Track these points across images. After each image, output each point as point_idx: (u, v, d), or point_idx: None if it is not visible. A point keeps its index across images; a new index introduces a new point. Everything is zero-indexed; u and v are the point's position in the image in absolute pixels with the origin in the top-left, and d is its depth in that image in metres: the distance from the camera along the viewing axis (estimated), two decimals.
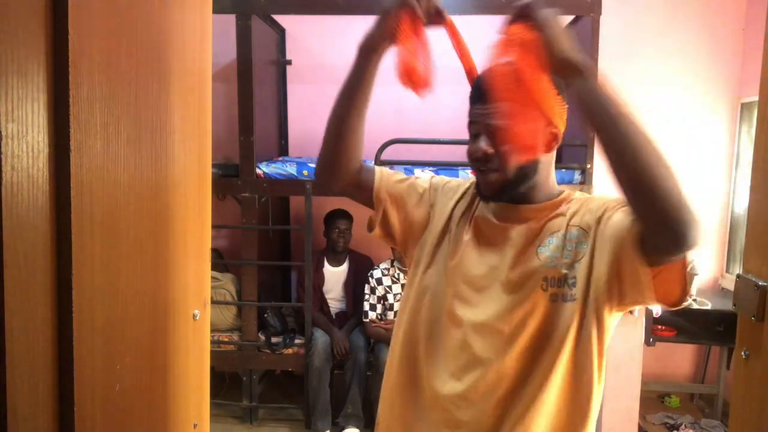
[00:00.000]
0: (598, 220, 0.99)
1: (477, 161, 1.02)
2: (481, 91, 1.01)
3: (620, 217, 0.94)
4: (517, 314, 1.01)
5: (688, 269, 0.85)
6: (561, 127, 1.01)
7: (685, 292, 0.87)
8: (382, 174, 1.19)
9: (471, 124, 1.04)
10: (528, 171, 1.03)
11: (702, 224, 0.79)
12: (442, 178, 1.22)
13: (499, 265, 1.05)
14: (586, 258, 0.99)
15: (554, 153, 1.07)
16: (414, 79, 1.00)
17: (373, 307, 3.39)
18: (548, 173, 1.08)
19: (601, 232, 0.97)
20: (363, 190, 1.17)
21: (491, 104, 0.98)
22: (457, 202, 1.15)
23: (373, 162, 3.30)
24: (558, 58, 0.85)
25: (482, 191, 1.05)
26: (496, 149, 1.00)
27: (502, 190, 1.03)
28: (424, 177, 1.23)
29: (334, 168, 1.13)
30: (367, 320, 3.38)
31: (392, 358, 1.15)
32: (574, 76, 0.85)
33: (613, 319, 1.01)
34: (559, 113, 0.99)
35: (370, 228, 1.20)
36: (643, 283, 0.89)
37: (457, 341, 1.06)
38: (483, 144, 1.00)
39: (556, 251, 1.01)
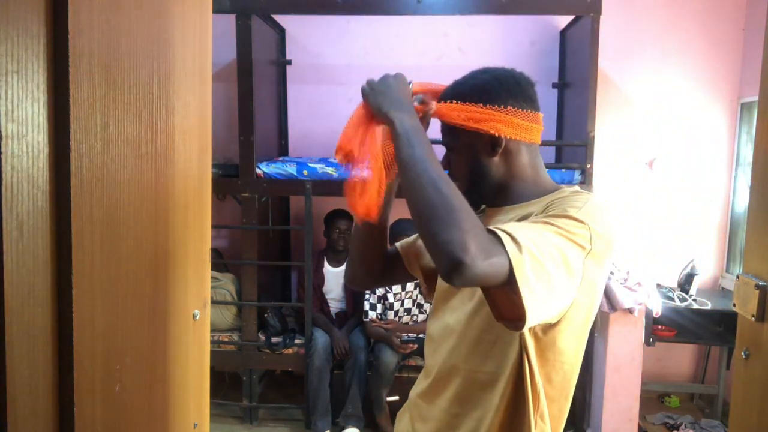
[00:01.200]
0: None
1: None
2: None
3: None
4: (476, 321, 1.03)
5: (523, 295, 0.82)
6: (503, 131, 1.02)
7: (521, 317, 0.85)
8: (401, 246, 1.27)
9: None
10: (475, 176, 1.07)
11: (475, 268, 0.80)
12: None
13: None
14: None
15: (521, 154, 1.06)
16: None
17: (373, 307, 3.40)
18: (521, 174, 1.06)
19: None
20: (396, 268, 1.25)
21: (444, 125, 1.08)
22: None
23: None
24: (377, 115, 1.00)
25: None
26: (451, 164, 1.09)
27: (467, 197, 1.05)
28: None
29: (369, 270, 1.24)
30: (368, 320, 3.38)
31: None
32: (387, 125, 0.99)
33: (547, 332, 0.98)
34: (493, 120, 1.02)
35: (426, 297, 1.28)
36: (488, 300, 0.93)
37: (433, 340, 1.14)
38: (444, 158, 1.09)
39: None
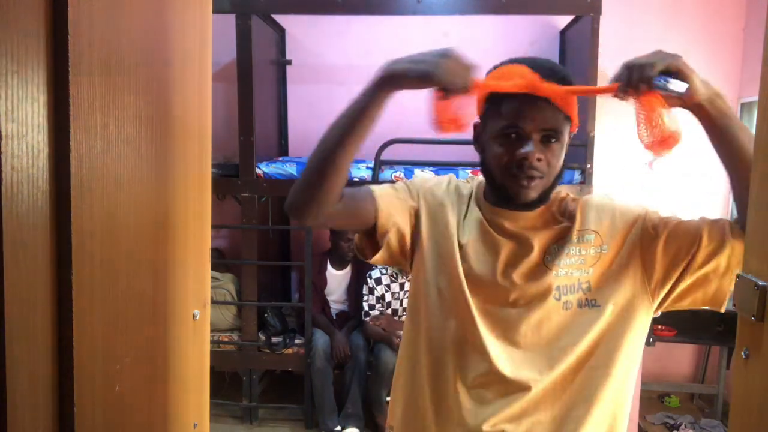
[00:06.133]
0: (631, 226, 1.04)
1: (524, 166, 0.98)
2: (539, 94, 0.97)
3: (682, 226, 1.01)
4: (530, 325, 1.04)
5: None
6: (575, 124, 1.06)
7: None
8: (380, 203, 1.08)
9: (517, 126, 0.98)
10: (561, 174, 1.04)
11: None
12: (421, 180, 1.18)
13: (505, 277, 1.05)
14: (605, 261, 1.03)
15: None
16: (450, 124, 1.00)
17: (372, 308, 3.39)
18: None
19: (641, 238, 1.02)
20: (356, 217, 1.08)
21: (554, 110, 0.98)
22: (453, 206, 1.12)
23: (373, 162, 3.30)
24: (709, 96, 0.91)
25: (519, 197, 1.01)
26: (546, 155, 0.99)
27: (541, 197, 1.03)
28: (400, 184, 1.16)
29: (321, 199, 1.00)
30: (367, 319, 3.38)
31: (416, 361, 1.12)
32: (718, 102, 0.93)
33: (649, 317, 1.05)
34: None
35: (365, 255, 1.13)
36: (718, 287, 0.99)
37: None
38: (535, 148, 0.98)
39: (567, 258, 1.03)
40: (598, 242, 1.04)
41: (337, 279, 3.58)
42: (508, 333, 1.04)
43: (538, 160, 0.98)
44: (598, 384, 1.01)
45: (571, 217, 1.06)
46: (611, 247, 1.04)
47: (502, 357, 1.03)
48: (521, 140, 0.98)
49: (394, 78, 0.96)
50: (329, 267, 3.57)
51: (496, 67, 1.06)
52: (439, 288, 1.08)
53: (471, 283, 1.05)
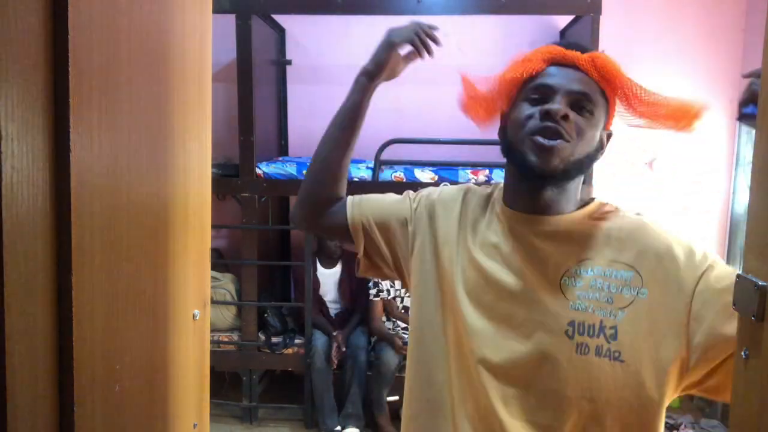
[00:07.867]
0: (691, 287, 0.81)
1: (552, 124, 0.84)
2: (572, 58, 0.88)
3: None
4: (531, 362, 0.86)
5: None
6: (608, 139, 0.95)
7: None
8: (353, 202, 1.09)
9: (546, 85, 0.88)
10: (591, 159, 0.89)
11: None
12: (430, 189, 1.09)
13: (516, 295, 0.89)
14: (639, 309, 0.82)
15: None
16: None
17: (382, 292, 3.39)
18: (581, 181, 0.94)
19: (700, 310, 0.80)
20: (337, 226, 1.10)
21: (584, 76, 0.87)
22: (460, 215, 1.00)
23: (373, 162, 3.30)
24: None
25: (539, 165, 0.85)
26: (576, 120, 0.86)
27: (565, 171, 0.86)
28: (410, 193, 1.11)
29: (319, 202, 1.11)
30: (378, 299, 3.37)
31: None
32: None
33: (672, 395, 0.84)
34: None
35: (358, 269, 1.15)
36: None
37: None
38: (562, 107, 0.85)
39: (591, 291, 0.84)
40: (637, 283, 0.83)
41: (328, 278, 3.58)
42: (510, 369, 0.87)
43: (564, 117, 0.84)
44: None
45: (607, 238, 0.87)
46: (652, 293, 0.82)
47: (497, 396, 0.87)
48: (548, 100, 0.87)
49: (370, 66, 1.14)
50: (319, 266, 3.57)
51: None
52: (437, 300, 0.97)
53: (472, 299, 0.92)
